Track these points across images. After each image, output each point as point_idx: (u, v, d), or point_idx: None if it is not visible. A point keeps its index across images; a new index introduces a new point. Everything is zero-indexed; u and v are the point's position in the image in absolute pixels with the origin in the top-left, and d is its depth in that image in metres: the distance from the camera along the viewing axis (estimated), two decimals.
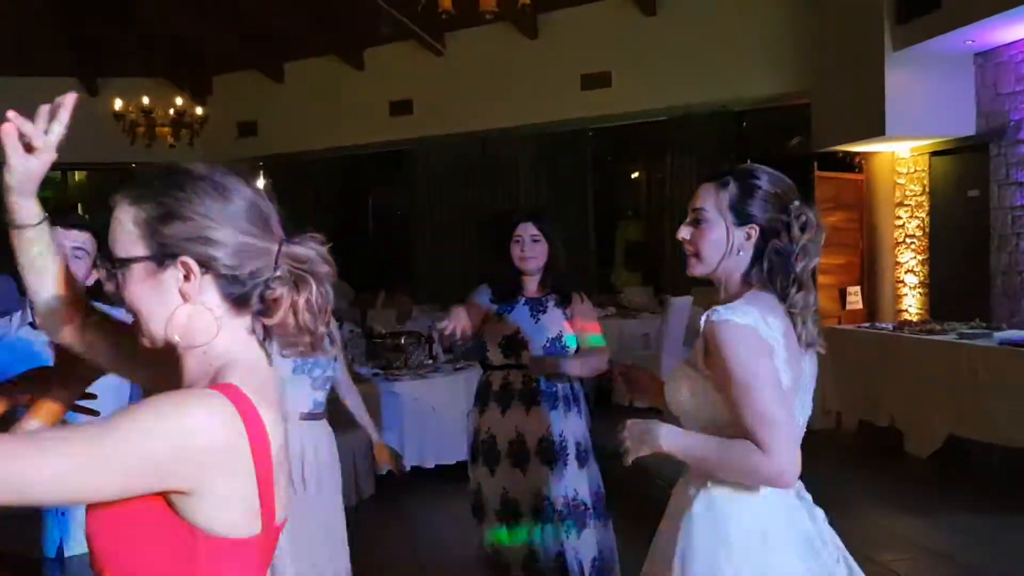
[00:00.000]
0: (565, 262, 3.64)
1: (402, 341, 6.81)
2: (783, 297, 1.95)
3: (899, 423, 6.50)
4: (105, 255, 1.28)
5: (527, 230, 3.54)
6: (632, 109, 10.01)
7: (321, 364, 3.40)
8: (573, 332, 3.57)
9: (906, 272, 8.54)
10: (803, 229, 1.96)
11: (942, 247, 8.12)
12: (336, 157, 12.47)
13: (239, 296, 1.25)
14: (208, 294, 1.24)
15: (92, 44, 11.22)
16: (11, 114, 1.29)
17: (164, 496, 1.13)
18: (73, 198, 13.14)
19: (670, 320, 8.20)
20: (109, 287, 1.29)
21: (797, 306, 1.94)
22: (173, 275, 1.23)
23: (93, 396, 1.69)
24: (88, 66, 11.59)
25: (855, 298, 8.68)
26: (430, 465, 6.05)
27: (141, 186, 1.26)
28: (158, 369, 1.36)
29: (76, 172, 13.42)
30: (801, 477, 2.02)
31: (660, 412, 2.23)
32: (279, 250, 1.27)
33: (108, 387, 1.74)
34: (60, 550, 2.48)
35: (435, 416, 5.99)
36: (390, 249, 12.72)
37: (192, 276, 1.22)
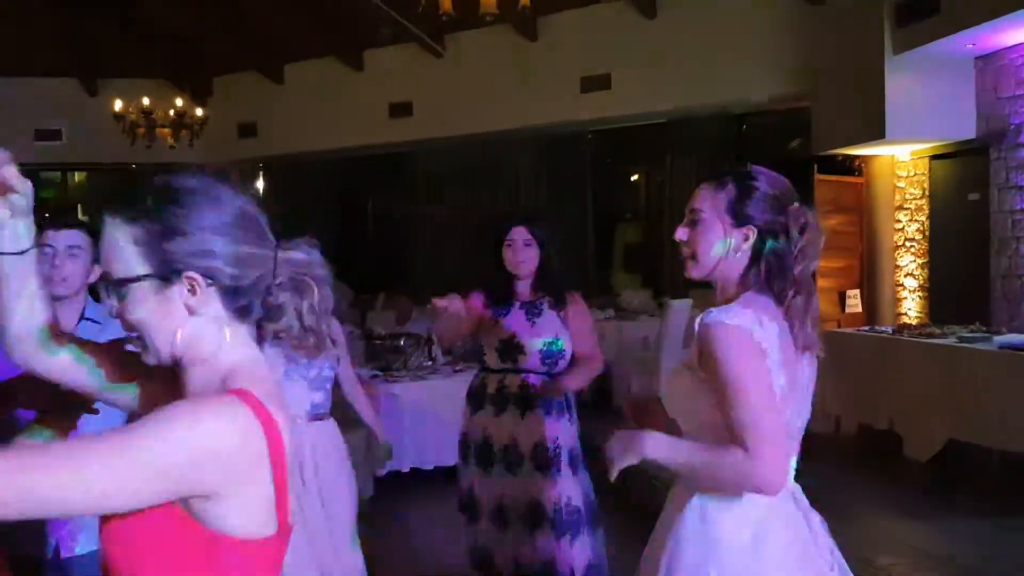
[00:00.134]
0: (559, 266, 3.65)
1: (401, 343, 6.81)
2: (780, 299, 1.92)
3: (898, 427, 6.49)
4: (104, 276, 1.27)
5: (520, 234, 3.55)
6: (632, 111, 9.98)
7: (316, 365, 3.37)
8: (568, 333, 3.57)
9: (906, 276, 8.54)
10: (801, 231, 1.92)
11: (942, 251, 8.12)
12: (336, 159, 12.45)
13: (243, 305, 1.27)
14: (213, 306, 1.25)
15: (92, 44, 11.20)
16: None
17: (181, 502, 1.14)
18: (73, 198, 13.15)
19: (669, 323, 8.19)
20: (110, 306, 1.27)
21: (795, 309, 1.90)
22: (178, 290, 1.23)
23: (95, 411, 1.70)
24: (88, 66, 11.59)
25: (854, 301, 8.69)
26: (429, 467, 6.06)
27: (134, 204, 1.25)
28: (144, 389, 1.37)
29: (76, 173, 13.41)
30: (800, 480, 2.00)
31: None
32: (276, 257, 1.28)
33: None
34: (58, 550, 2.48)
35: (434, 417, 5.99)
36: (390, 251, 12.71)
37: (197, 289, 1.23)
